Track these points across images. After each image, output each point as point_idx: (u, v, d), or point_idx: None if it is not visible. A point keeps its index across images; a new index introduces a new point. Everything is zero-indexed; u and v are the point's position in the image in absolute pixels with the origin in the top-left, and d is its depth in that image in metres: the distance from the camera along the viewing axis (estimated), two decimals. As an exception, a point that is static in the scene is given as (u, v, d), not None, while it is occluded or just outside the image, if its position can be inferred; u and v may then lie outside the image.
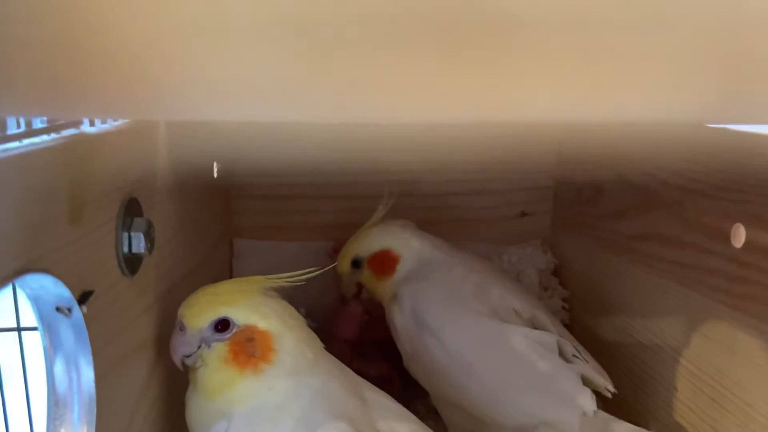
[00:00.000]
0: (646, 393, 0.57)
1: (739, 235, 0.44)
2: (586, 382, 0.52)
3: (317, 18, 0.18)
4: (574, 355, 0.54)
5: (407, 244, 0.63)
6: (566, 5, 0.18)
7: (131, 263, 0.41)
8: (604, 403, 0.53)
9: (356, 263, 0.64)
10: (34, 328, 0.39)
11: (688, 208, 0.51)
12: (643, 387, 0.57)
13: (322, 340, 0.46)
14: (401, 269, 0.62)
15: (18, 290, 0.43)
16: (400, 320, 0.59)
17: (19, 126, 0.32)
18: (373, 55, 0.19)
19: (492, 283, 0.60)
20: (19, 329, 0.59)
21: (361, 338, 0.68)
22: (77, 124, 0.36)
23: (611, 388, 0.53)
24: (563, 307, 0.76)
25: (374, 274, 0.63)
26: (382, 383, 0.48)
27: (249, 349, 0.42)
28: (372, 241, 0.64)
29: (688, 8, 0.19)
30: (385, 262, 0.63)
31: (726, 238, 0.45)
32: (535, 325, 0.57)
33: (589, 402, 0.50)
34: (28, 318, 0.56)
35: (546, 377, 0.52)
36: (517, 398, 0.53)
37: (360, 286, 0.66)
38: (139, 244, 0.40)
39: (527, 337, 0.54)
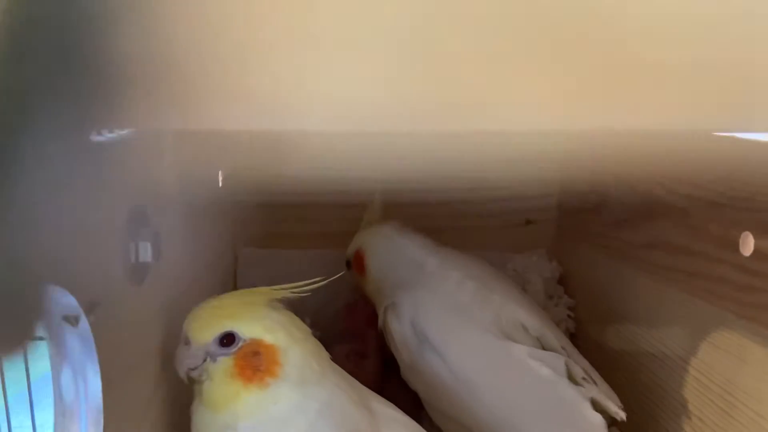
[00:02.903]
0: (654, 403, 0.56)
1: (748, 244, 0.44)
2: (595, 406, 0.51)
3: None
4: (583, 378, 0.53)
5: (375, 243, 0.64)
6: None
7: (138, 272, 0.40)
8: (612, 419, 0.52)
9: (348, 265, 0.66)
10: (40, 338, 0.39)
11: (695, 216, 0.51)
12: (651, 397, 0.57)
13: (326, 348, 0.46)
14: (372, 265, 0.63)
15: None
16: (398, 329, 0.58)
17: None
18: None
19: (492, 290, 0.58)
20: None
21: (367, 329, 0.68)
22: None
23: (622, 415, 0.51)
24: (569, 316, 0.76)
25: (357, 274, 0.65)
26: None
27: (255, 363, 0.41)
28: (355, 242, 0.66)
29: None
30: (359, 261, 0.65)
31: (734, 247, 0.45)
32: (543, 344, 0.55)
33: (599, 429, 0.50)
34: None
35: (555, 402, 0.51)
36: (524, 422, 0.51)
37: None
38: (146, 253, 0.40)
39: (535, 359, 0.53)
